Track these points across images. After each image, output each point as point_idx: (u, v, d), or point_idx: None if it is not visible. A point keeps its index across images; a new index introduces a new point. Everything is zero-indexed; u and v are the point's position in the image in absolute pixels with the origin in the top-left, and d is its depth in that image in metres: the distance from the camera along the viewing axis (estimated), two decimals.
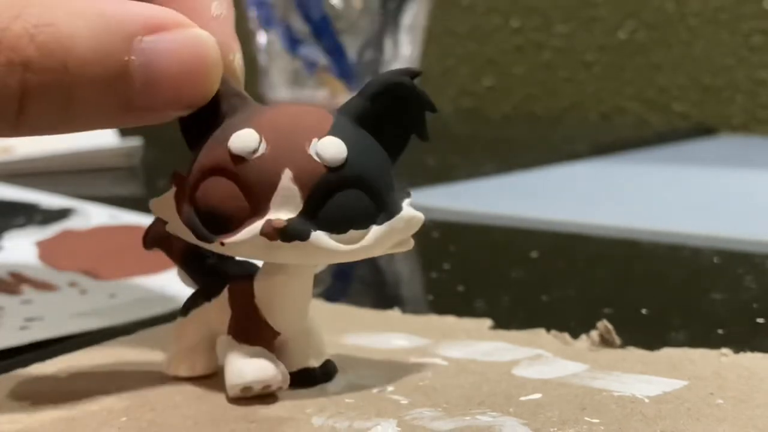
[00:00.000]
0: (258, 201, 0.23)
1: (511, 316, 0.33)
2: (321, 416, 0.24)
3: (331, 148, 0.23)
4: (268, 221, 0.23)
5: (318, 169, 0.23)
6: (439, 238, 0.46)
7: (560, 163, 0.66)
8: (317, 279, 0.36)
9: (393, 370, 0.27)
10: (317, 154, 0.23)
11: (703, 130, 0.84)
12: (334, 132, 0.24)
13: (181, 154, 0.26)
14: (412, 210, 0.25)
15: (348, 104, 0.25)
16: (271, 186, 0.23)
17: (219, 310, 0.26)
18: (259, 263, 0.26)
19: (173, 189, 0.25)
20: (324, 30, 0.66)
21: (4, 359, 0.29)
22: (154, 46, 0.23)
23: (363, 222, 0.24)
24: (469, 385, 0.26)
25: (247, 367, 0.25)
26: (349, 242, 0.24)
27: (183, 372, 0.27)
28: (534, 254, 0.43)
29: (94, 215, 0.47)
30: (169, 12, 0.23)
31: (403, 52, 0.69)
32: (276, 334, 0.26)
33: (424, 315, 0.33)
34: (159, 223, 0.26)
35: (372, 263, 0.43)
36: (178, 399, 0.25)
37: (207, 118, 0.24)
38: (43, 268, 0.38)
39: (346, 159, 0.23)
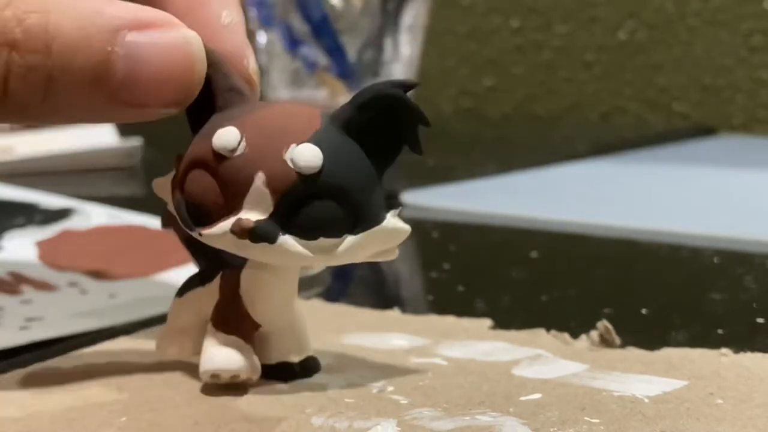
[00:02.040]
0: (233, 199, 0.24)
1: (511, 316, 0.33)
2: (321, 416, 0.24)
3: (305, 155, 0.23)
4: (238, 220, 0.23)
5: (291, 175, 0.23)
6: (439, 238, 0.46)
7: (560, 163, 0.66)
8: (316, 279, 0.37)
9: (393, 370, 0.27)
10: (292, 161, 0.23)
11: (703, 130, 0.84)
12: (315, 139, 0.24)
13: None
14: (397, 221, 0.24)
15: (338, 111, 0.24)
16: (245, 186, 0.23)
17: (210, 295, 0.26)
18: None
19: (174, 171, 0.25)
20: (324, 30, 0.66)
21: (4, 359, 0.29)
22: (139, 40, 0.23)
23: (334, 231, 0.24)
24: (469, 385, 0.26)
25: (218, 355, 0.25)
26: (318, 249, 0.24)
27: (172, 352, 0.27)
28: (534, 254, 0.43)
29: (94, 215, 0.47)
30: (160, 12, 0.24)
31: (403, 52, 0.69)
32: (257, 325, 0.26)
33: (424, 315, 0.33)
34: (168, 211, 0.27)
35: (372, 263, 0.43)
36: (178, 399, 0.25)
37: (207, 109, 0.25)
38: (43, 268, 0.38)
39: (322, 167, 0.23)
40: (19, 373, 0.28)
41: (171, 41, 0.24)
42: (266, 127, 0.24)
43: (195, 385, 0.26)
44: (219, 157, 0.24)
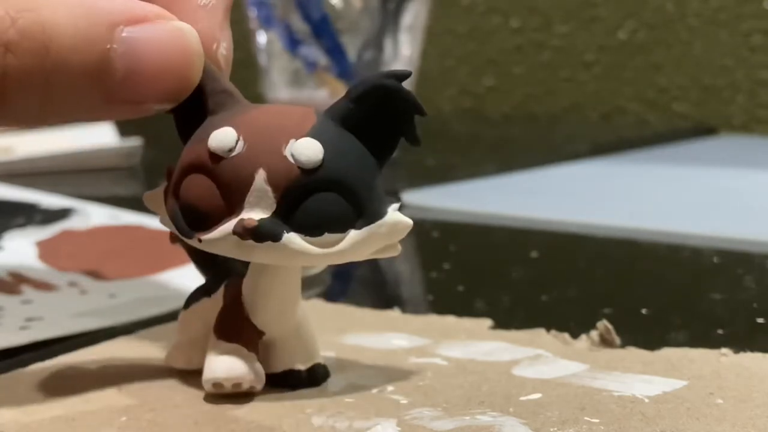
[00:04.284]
0: (233, 200, 0.23)
1: (511, 316, 0.33)
2: (321, 416, 0.24)
3: (306, 149, 0.23)
4: (240, 220, 0.23)
5: (292, 170, 0.23)
6: (439, 238, 0.46)
7: (560, 163, 0.66)
8: (316, 279, 0.37)
9: (393, 370, 0.27)
10: (292, 156, 0.23)
11: (703, 130, 0.84)
12: (313, 133, 0.23)
13: (180, 155, 0.26)
14: (398, 215, 0.24)
15: (333, 106, 0.24)
16: (246, 185, 0.23)
17: (216, 305, 0.26)
18: None
19: (164, 183, 0.25)
20: (324, 30, 0.66)
21: (4, 359, 0.29)
22: (136, 36, 0.23)
23: (339, 226, 0.23)
24: (469, 385, 0.26)
25: (220, 364, 0.25)
26: (323, 245, 0.23)
27: (181, 364, 0.27)
28: (534, 254, 0.43)
29: (94, 215, 0.47)
30: (151, 5, 0.23)
31: (403, 52, 0.69)
32: (260, 333, 0.26)
33: (424, 315, 0.33)
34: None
35: (372, 263, 0.43)
36: (178, 399, 0.25)
37: (197, 113, 0.24)
38: (43, 268, 0.38)
39: (323, 161, 0.23)
40: (19, 373, 0.28)
41: (167, 34, 0.23)
42: (262, 125, 0.24)
43: (195, 385, 0.26)
44: (216, 158, 0.23)
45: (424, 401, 0.25)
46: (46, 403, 0.25)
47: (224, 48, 0.25)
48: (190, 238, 0.24)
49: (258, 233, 0.23)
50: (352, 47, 0.67)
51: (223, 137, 0.23)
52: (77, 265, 0.38)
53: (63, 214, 0.47)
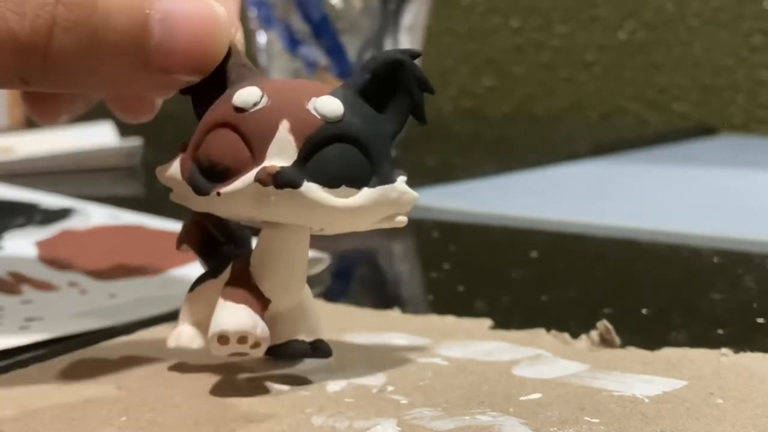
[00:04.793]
0: (255, 150, 0.24)
1: (511, 316, 0.33)
2: (321, 416, 0.24)
3: (328, 103, 0.24)
4: (263, 168, 0.24)
5: (315, 121, 0.24)
6: (439, 238, 0.46)
7: (560, 163, 0.66)
8: (316, 279, 0.37)
9: (393, 370, 0.27)
10: (315, 109, 0.24)
11: (703, 130, 0.84)
12: (334, 94, 0.25)
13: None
14: (407, 186, 0.25)
15: (351, 79, 0.25)
16: (269, 135, 0.24)
17: (222, 285, 0.26)
18: None
19: (179, 156, 0.25)
20: (324, 30, 0.66)
21: (4, 359, 0.29)
22: (171, 6, 0.24)
23: (355, 180, 0.24)
24: (469, 385, 0.26)
25: (226, 316, 0.25)
26: (339, 197, 0.24)
27: (183, 342, 0.27)
28: (534, 254, 0.43)
29: (94, 215, 0.47)
30: None
31: None
32: (267, 301, 0.25)
33: (424, 315, 0.33)
34: (186, 225, 0.28)
35: (372, 263, 0.43)
36: (178, 399, 0.25)
37: (215, 91, 0.25)
38: (43, 268, 0.38)
39: (343, 116, 0.24)
40: (19, 373, 0.28)
41: (199, 8, 0.25)
42: (285, 88, 0.25)
43: (195, 385, 0.26)
44: (240, 112, 0.24)
45: (424, 401, 0.25)
46: (46, 403, 0.25)
47: (240, 35, 0.27)
48: (207, 193, 0.24)
49: (280, 179, 0.24)
50: (352, 47, 0.67)
51: (247, 93, 0.24)
52: (77, 265, 0.38)
53: (63, 214, 0.47)
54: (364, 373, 0.27)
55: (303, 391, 0.26)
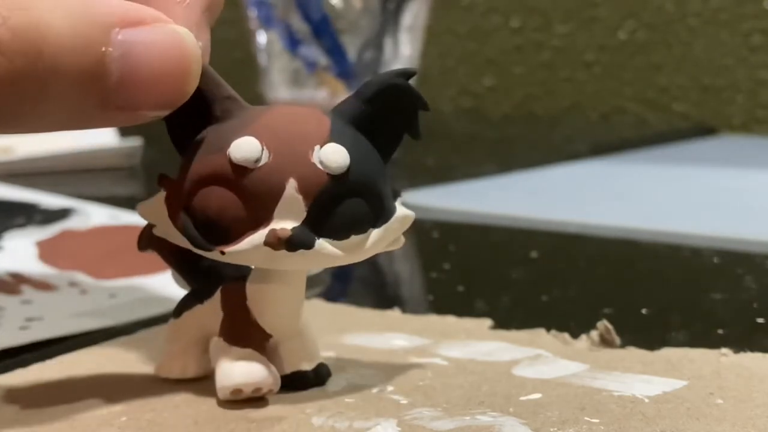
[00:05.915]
0: (260, 210, 0.23)
1: (511, 316, 0.33)
2: (321, 416, 0.24)
3: (335, 156, 0.23)
4: (273, 231, 0.23)
5: (322, 177, 0.23)
6: (439, 238, 0.46)
7: (560, 163, 0.66)
8: (316, 279, 0.37)
9: (393, 370, 0.27)
10: (321, 162, 0.23)
11: (703, 130, 0.84)
12: (333, 137, 0.23)
13: (181, 163, 0.26)
14: (404, 209, 0.25)
15: (343, 105, 0.24)
16: (276, 196, 0.23)
17: (211, 312, 0.26)
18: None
19: (162, 192, 0.25)
20: (324, 30, 0.66)
21: (4, 359, 0.29)
22: (133, 38, 0.22)
23: (362, 227, 0.24)
24: (469, 385, 0.26)
25: (238, 370, 0.25)
26: (349, 248, 0.24)
27: (175, 374, 0.27)
28: (534, 254, 0.43)
29: (94, 215, 0.47)
30: (147, 8, 0.22)
31: (403, 52, 0.69)
32: (268, 336, 0.25)
33: (424, 315, 0.33)
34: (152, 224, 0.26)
35: (372, 263, 0.43)
36: (178, 399, 0.25)
37: (197, 121, 0.24)
38: (43, 268, 0.38)
39: (349, 167, 0.23)
40: (19, 373, 0.28)
41: (164, 38, 0.22)
42: (282, 131, 0.23)
43: (195, 385, 0.26)
44: (241, 170, 0.23)
45: (424, 401, 0.25)
46: (46, 403, 0.25)
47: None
48: (207, 250, 0.24)
49: (292, 243, 0.23)
50: (352, 47, 0.67)
51: (248, 148, 0.23)
52: (77, 265, 0.38)
53: (63, 214, 0.47)
54: (364, 373, 0.27)
55: (303, 391, 0.26)
